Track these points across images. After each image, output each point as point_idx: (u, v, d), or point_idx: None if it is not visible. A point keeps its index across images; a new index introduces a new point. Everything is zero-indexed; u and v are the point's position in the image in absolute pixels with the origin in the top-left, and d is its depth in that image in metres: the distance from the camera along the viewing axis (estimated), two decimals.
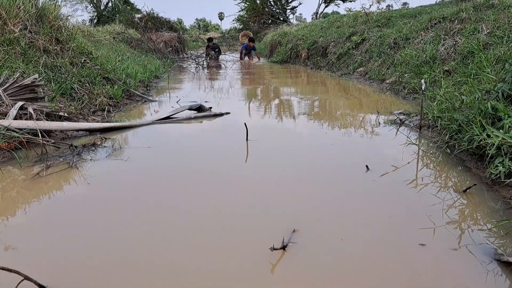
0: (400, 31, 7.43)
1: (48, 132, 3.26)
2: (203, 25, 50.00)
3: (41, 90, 3.68)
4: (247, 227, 1.86)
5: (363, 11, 10.40)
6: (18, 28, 4.40)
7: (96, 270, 1.52)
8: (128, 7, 23.32)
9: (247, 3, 24.89)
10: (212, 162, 2.83)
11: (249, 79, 9.08)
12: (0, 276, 1.37)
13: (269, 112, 4.82)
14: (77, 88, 4.35)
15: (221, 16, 48.73)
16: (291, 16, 26.09)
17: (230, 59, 13.08)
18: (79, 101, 4.20)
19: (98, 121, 3.96)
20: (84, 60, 5.11)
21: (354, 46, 8.81)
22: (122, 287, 1.43)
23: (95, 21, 21.69)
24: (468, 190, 2.16)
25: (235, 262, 1.57)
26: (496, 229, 1.78)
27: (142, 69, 7.21)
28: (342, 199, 2.17)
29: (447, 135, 2.91)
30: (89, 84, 4.64)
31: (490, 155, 2.29)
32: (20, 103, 3.24)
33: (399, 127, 3.67)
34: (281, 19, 24.06)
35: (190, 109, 4.42)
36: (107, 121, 3.99)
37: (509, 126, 2.31)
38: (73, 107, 3.95)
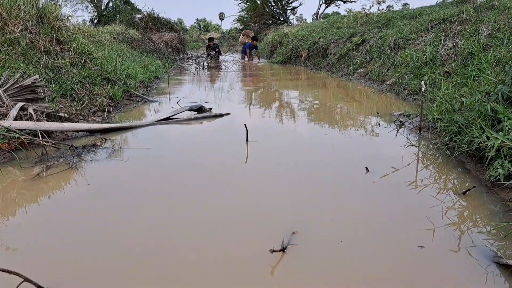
0: (401, 32, 7.43)
1: (48, 133, 3.26)
2: (204, 26, 50.01)
3: (42, 91, 3.69)
4: (246, 228, 1.87)
5: (364, 12, 10.41)
6: (19, 29, 4.41)
7: (96, 272, 1.52)
8: (129, 7, 23.31)
9: (248, 3, 24.88)
10: (212, 163, 2.83)
11: (249, 80, 9.08)
12: (0, 278, 1.38)
13: (269, 113, 4.82)
14: (78, 88, 4.36)
15: (221, 17, 48.76)
16: (291, 16, 26.09)
17: (230, 60, 13.08)
18: (80, 101, 4.20)
19: (98, 122, 3.96)
20: (84, 61, 5.11)
21: (354, 47, 8.81)
22: (121, 287, 1.44)
23: (96, 21, 21.69)
24: (467, 192, 2.16)
25: (234, 264, 1.57)
26: (495, 232, 1.78)
27: (143, 70, 7.21)
28: (341, 201, 2.17)
29: (447, 137, 2.91)
30: (89, 85, 4.64)
31: (489, 157, 2.30)
32: (20, 104, 3.25)
33: (399, 128, 3.68)
34: (282, 19, 24.05)
35: (190, 109, 4.43)
36: (107, 122, 3.99)
37: (509, 129, 2.31)
38: (73, 108, 3.95)
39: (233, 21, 32.24)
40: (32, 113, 3.21)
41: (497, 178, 2.16)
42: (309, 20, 30.95)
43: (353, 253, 1.63)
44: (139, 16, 16.42)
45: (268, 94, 6.73)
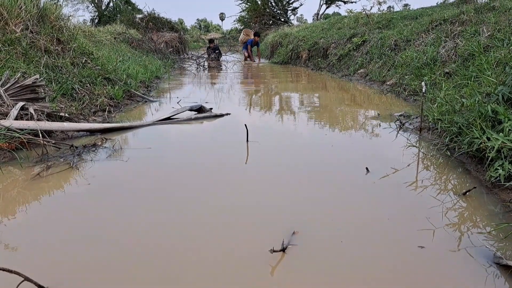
0: (401, 33, 7.44)
1: (48, 133, 3.26)
2: (204, 26, 50.01)
3: (42, 91, 3.69)
4: (246, 228, 1.87)
5: (364, 12, 10.41)
6: (20, 28, 4.41)
7: (96, 271, 1.52)
8: (129, 7, 23.32)
9: (248, 4, 24.89)
10: (212, 163, 2.83)
11: (250, 80, 9.08)
12: (0, 277, 1.38)
13: (270, 113, 4.82)
14: (78, 88, 4.36)
15: (222, 17, 48.73)
16: (292, 17, 26.12)
17: (231, 60, 13.08)
18: (80, 101, 4.20)
19: (98, 122, 3.96)
20: (85, 61, 5.12)
21: (355, 48, 8.82)
22: (121, 286, 1.44)
23: (96, 21, 21.70)
24: (467, 193, 2.16)
25: (234, 264, 1.57)
26: (496, 232, 1.78)
27: (143, 70, 7.22)
28: (342, 201, 2.17)
29: (447, 138, 2.91)
30: (90, 85, 4.65)
31: (490, 158, 2.30)
32: (21, 104, 3.25)
33: (399, 129, 3.68)
34: (282, 20, 24.06)
35: (190, 110, 4.43)
36: (108, 122, 3.99)
37: (509, 130, 2.31)
38: (74, 108, 3.95)
39: (234, 21, 32.31)
40: (33, 112, 3.21)
41: (498, 179, 2.16)
42: (310, 21, 30.96)
43: (353, 253, 1.63)
44: (140, 16, 16.42)
45: (268, 94, 6.73)
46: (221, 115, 4.40)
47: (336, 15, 20.54)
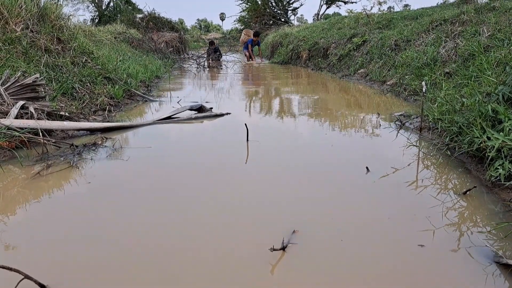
0: (401, 33, 7.44)
1: (49, 132, 3.26)
2: (205, 26, 50.01)
3: (42, 90, 3.69)
4: (247, 227, 1.87)
5: (365, 12, 10.41)
6: (20, 28, 4.41)
7: (96, 270, 1.52)
8: (130, 7, 23.34)
9: (249, 4, 24.89)
10: (212, 163, 2.83)
11: (250, 80, 9.08)
12: (0, 275, 1.38)
13: (270, 112, 4.82)
14: (78, 87, 4.36)
15: (222, 17, 48.75)
16: (292, 17, 26.13)
17: (231, 60, 13.08)
18: (80, 100, 4.21)
19: (99, 121, 3.96)
20: (85, 60, 5.12)
21: (355, 48, 8.82)
22: (121, 286, 1.44)
23: (97, 20, 21.72)
24: (468, 192, 2.16)
25: (234, 262, 1.57)
26: (496, 232, 1.78)
27: (143, 69, 7.22)
28: (342, 200, 2.17)
29: (448, 137, 2.91)
30: (90, 84, 4.65)
31: (490, 157, 2.30)
32: (21, 102, 3.25)
33: (400, 128, 3.68)
34: (283, 20, 24.07)
35: (191, 109, 4.43)
36: (108, 121, 3.99)
37: (509, 129, 2.31)
38: (74, 107, 3.96)
39: (234, 21, 32.29)
40: (33, 111, 3.21)
41: (498, 178, 2.16)
42: (310, 21, 31.00)
43: (353, 253, 1.63)
44: (140, 16, 16.44)
45: (268, 94, 6.73)
46: (221, 115, 4.40)
47: (336, 15, 20.56)
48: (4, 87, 3.32)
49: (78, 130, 3.50)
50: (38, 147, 2.96)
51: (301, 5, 36.43)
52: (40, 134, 2.98)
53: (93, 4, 23.25)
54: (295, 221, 1.87)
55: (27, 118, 3.18)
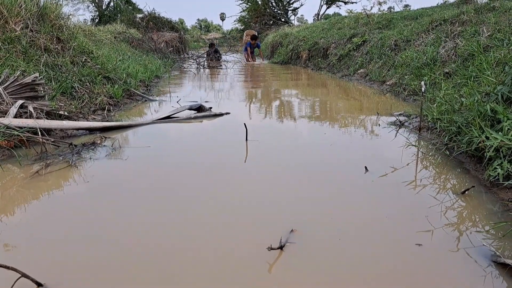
0: (401, 33, 7.44)
1: (48, 131, 3.26)
2: (205, 26, 50.02)
3: (42, 89, 3.69)
4: (246, 227, 1.87)
5: (365, 13, 10.41)
6: (20, 27, 4.41)
7: (94, 269, 1.52)
8: (130, 7, 23.34)
9: (249, 4, 24.89)
10: (211, 162, 2.83)
11: (250, 80, 9.08)
12: None
13: (269, 112, 4.82)
14: (78, 87, 4.36)
15: (222, 17, 48.70)
16: (292, 17, 26.12)
17: (231, 60, 13.08)
18: (80, 100, 4.21)
19: (98, 120, 3.96)
20: (85, 59, 5.12)
21: (355, 48, 8.82)
22: (120, 285, 1.44)
23: (97, 20, 21.71)
24: (466, 192, 2.16)
25: (232, 261, 1.57)
26: (494, 231, 1.78)
27: (143, 69, 7.22)
28: (340, 200, 2.17)
29: (446, 137, 2.91)
30: (89, 83, 4.65)
31: (488, 157, 2.30)
32: (20, 102, 3.25)
33: (399, 128, 3.68)
34: (283, 20, 24.07)
35: (190, 109, 4.43)
36: (107, 120, 3.99)
37: (508, 129, 2.31)
38: (73, 106, 3.95)
39: (234, 21, 32.22)
40: (32, 111, 3.21)
41: (496, 178, 2.17)
42: (310, 21, 30.99)
43: (352, 252, 1.63)
44: (140, 15, 16.44)
45: (268, 94, 6.73)
46: (221, 114, 4.40)
47: (336, 16, 20.56)
48: (3, 86, 3.32)
49: (77, 129, 3.49)
50: (37, 146, 2.96)
51: (301, 5, 36.49)
52: (39, 133, 2.98)
53: (93, 4, 23.25)
54: (294, 221, 1.87)
55: (26, 117, 3.18)
